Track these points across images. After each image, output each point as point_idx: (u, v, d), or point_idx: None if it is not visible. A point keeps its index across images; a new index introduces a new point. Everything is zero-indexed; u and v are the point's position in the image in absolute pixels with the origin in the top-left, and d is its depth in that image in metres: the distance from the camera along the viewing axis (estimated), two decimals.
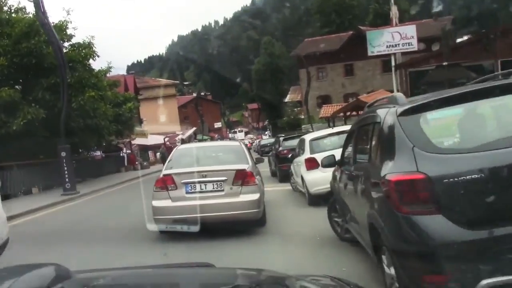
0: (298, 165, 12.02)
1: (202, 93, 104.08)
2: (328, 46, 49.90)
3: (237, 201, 7.62)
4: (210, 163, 8.48)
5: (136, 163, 33.90)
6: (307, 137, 12.03)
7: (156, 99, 70.69)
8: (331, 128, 12.48)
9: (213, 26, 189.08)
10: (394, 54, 23.34)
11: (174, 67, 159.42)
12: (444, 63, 18.79)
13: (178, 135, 58.33)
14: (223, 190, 7.68)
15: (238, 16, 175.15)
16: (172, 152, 9.39)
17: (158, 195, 7.80)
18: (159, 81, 70.48)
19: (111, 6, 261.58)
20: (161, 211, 7.69)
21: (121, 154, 35.82)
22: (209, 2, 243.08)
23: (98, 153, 34.09)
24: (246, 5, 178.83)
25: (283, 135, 20.50)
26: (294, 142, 17.33)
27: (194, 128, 64.24)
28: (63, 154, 17.51)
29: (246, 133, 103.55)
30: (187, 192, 7.68)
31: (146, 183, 20.87)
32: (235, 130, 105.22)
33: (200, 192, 7.66)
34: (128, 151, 36.00)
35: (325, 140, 11.53)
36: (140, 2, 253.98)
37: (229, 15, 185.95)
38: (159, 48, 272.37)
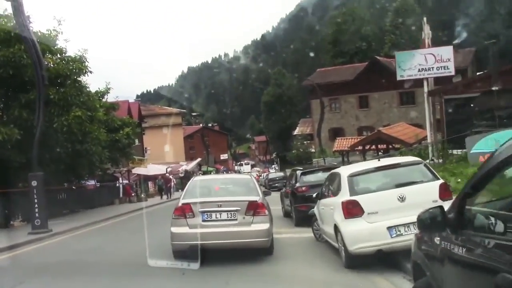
0: (329, 209, 8.61)
1: (210, 124, 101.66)
2: (341, 76, 47.05)
3: (249, 230, 8.15)
4: (224, 194, 8.99)
5: (132, 194, 30.56)
6: (343, 172, 8.39)
7: (162, 128, 67.85)
8: (377, 160, 9.00)
9: (223, 58, 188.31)
10: (427, 79, 20.17)
11: (183, 98, 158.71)
12: (494, 88, 15.60)
13: (182, 165, 55.12)
14: (236, 219, 8.21)
15: (248, 49, 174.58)
16: (188, 183, 9.77)
17: (176, 222, 8.29)
18: (165, 109, 67.79)
19: (120, 36, 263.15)
20: (179, 237, 8.18)
21: (117, 185, 32.48)
22: (219, 35, 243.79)
23: (92, 182, 30.90)
24: (257, 39, 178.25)
25: (301, 168, 17.27)
26: (314, 177, 14.21)
27: (199, 159, 61.05)
28: (34, 183, 14.18)
29: (253, 166, 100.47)
30: (203, 220, 8.18)
31: (137, 219, 17.58)
32: (241, 162, 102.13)
33: (216, 220, 8.20)
34: (125, 181, 32.69)
35: (370, 177, 8.12)
36: (151, 33, 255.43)
37: (239, 48, 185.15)
38: (169, 79, 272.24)
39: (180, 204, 8.41)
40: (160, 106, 67.94)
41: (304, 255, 9.33)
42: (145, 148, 66.81)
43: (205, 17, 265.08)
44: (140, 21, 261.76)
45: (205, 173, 61.84)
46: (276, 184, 40.15)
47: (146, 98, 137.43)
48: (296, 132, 70.52)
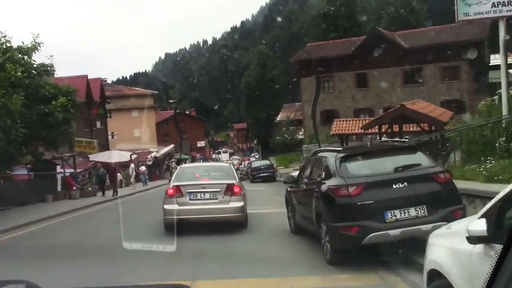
0: None
1: (187, 112, 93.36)
2: (336, 51, 39.44)
3: (227, 207, 9.60)
4: (207, 178, 10.41)
5: (74, 188, 22.44)
6: None
7: (131, 111, 59.40)
8: None
9: (201, 45, 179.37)
10: (504, 18, 12.76)
11: (159, 84, 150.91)
12: None
13: (152, 152, 46.99)
14: (217, 199, 9.68)
15: (227, 35, 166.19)
16: (177, 169, 12.08)
17: (168, 200, 9.72)
18: (135, 90, 59.33)
19: (94, 22, 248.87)
20: (170, 212, 9.44)
21: (58, 175, 24.23)
22: (198, 22, 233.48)
23: (25, 171, 22.82)
24: (236, 26, 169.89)
25: (337, 147, 10.17)
26: (372, 165, 6.63)
27: (172, 146, 52.88)
28: None
29: (231, 154, 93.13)
30: (190, 199, 9.66)
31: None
32: (220, 150, 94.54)
33: (200, 199, 9.68)
34: (70, 171, 24.47)
35: None
36: (126, 18, 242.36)
37: (218, 35, 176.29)
38: (146, 65, 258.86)
39: (171, 186, 9.85)
40: (129, 87, 59.21)
41: None
42: (112, 133, 58.45)
43: (184, 3, 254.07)
44: (114, 4, 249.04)
45: (179, 161, 53.90)
46: (262, 174, 32.51)
47: (121, 84, 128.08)
48: (279, 118, 63.01)
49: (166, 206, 9.60)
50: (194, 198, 9.60)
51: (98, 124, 44.70)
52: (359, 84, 38.80)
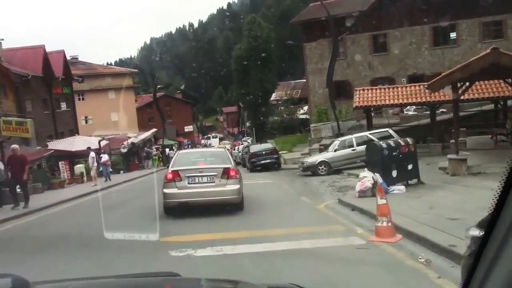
0: None
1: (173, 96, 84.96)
2: (347, 9, 31.46)
3: (224, 189, 9.64)
4: (205, 163, 10.34)
5: None
6: None
7: (107, 92, 50.96)
8: None
9: (187, 29, 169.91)
10: None
11: (145, 70, 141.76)
12: None
13: (130, 138, 38.93)
14: (214, 182, 9.69)
15: (214, 18, 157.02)
16: (175, 155, 12.82)
17: (168, 185, 9.72)
18: (111, 69, 50.83)
19: (77, 7, 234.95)
20: (170, 196, 9.64)
21: None
22: (184, 5, 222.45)
23: None
24: (222, 7, 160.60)
25: None
26: None
27: (154, 130, 44.71)
28: None
29: (221, 139, 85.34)
30: (188, 183, 9.66)
31: None
32: (209, 135, 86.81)
33: (198, 183, 9.69)
34: None
35: None
36: (109, 2, 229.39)
37: (205, 18, 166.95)
38: (131, 50, 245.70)
39: (170, 171, 9.87)
40: (104, 64, 50.68)
41: None
42: (85, 117, 50.06)
43: None
44: None
45: (163, 148, 45.88)
46: (263, 161, 24.72)
47: None
48: (273, 97, 55.05)
49: (166, 190, 9.65)
50: (193, 182, 9.65)
51: (64, 106, 36.43)
52: (377, 48, 30.94)
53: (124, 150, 32.16)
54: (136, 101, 75.59)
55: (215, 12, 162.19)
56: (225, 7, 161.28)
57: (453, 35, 28.93)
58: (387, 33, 30.19)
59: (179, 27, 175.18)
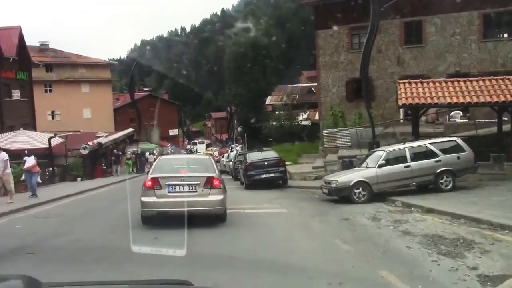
0: None
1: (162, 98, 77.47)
2: None
3: (207, 200, 8.68)
4: (187, 170, 9.36)
5: None
6: None
7: (80, 84, 43.34)
8: None
9: (179, 33, 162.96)
10: None
11: (135, 72, 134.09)
12: None
13: (99, 137, 31.42)
14: (196, 191, 8.73)
15: (207, 23, 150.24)
16: (156, 160, 11.41)
17: (146, 193, 8.72)
18: (85, 58, 43.22)
19: (67, 7, 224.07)
20: (148, 205, 8.68)
21: None
22: (176, 9, 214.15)
23: None
24: (216, 13, 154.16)
25: None
26: None
27: (129, 130, 37.15)
28: None
29: (208, 146, 78.50)
30: (169, 192, 8.69)
31: None
32: (196, 141, 79.96)
33: (179, 192, 8.71)
34: None
35: None
36: (100, 3, 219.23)
37: (197, 22, 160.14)
38: (121, 52, 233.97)
39: (149, 178, 8.83)
40: (78, 54, 43.14)
41: None
42: (52, 112, 42.36)
43: None
44: None
45: (143, 152, 38.45)
46: (265, 176, 17.53)
47: None
48: (268, 101, 48.02)
49: (144, 199, 8.74)
50: (173, 190, 8.74)
51: (17, 94, 28.80)
52: (409, 39, 24.07)
53: (84, 152, 24.67)
54: (118, 99, 68.04)
55: (208, 17, 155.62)
56: (219, 12, 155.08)
57: (507, 24, 22.24)
58: (423, 20, 23.38)
59: (171, 31, 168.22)
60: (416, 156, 12.89)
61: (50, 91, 40.43)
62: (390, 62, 24.25)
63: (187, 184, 8.74)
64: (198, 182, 8.74)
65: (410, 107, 15.33)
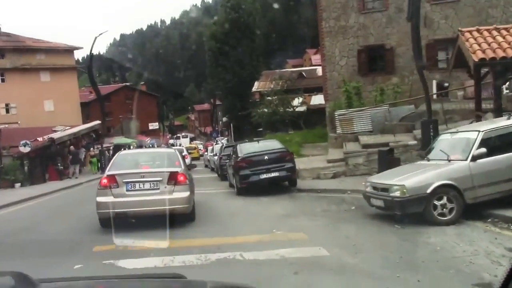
0: None
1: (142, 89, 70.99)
2: None
3: (171, 197, 7.61)
4: (149, 165, 8.46)
5: None
6: None
7: (39, 72, 36.85)
8: None
9: (159, 26, 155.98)
10: None
11: (115, 67, 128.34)
12: None
13: (57, 131, 25.26)
14: (158, 189, 7.70)
15: (186, 15, 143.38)
16: (115, 156, 9.43)
17: (101, 192, 7.69)
18: (45, 43, 36.69)
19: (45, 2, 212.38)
20: (103, 206, 7.55)
21: None
22: (157, 1, 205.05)
23: None
24: (196, 4, 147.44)
25: None
26: None
27: (95, 123, 30.83)
28: None
29: (192, 139, 72.67)
30: (127, 190, 7.67)
31: None
32: (179, 135, 74.10)
33: (139, 190, 7.68)
34: None
35: None
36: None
37: (177, 15, 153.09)
38: (100, 47, 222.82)
39: (105, 175, 7.96)
40: (35, 38, 36.58)
41: None
42: (7, 105, 35.86)
43: None
44: None
45: (114, 147, 32.44)
46: (266, 175, 11.57)
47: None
48: (255, 88, 42.10)
49: (99, 199, 7.65)
50: (132, 188, 7.67)
51: None
52: None
53: (25, 150, 18.50)
54: (91, 92, 61.66)
55: (188, 9, 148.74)
56: (199, 4, 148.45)
57: None
58: None
59: (151, 24, 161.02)
60: None
61: (3, 80, 33.95)
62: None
63: (148, 181, 7.73)
64: (161, 179, 7.75)
65: (491, 64, 9.63)
